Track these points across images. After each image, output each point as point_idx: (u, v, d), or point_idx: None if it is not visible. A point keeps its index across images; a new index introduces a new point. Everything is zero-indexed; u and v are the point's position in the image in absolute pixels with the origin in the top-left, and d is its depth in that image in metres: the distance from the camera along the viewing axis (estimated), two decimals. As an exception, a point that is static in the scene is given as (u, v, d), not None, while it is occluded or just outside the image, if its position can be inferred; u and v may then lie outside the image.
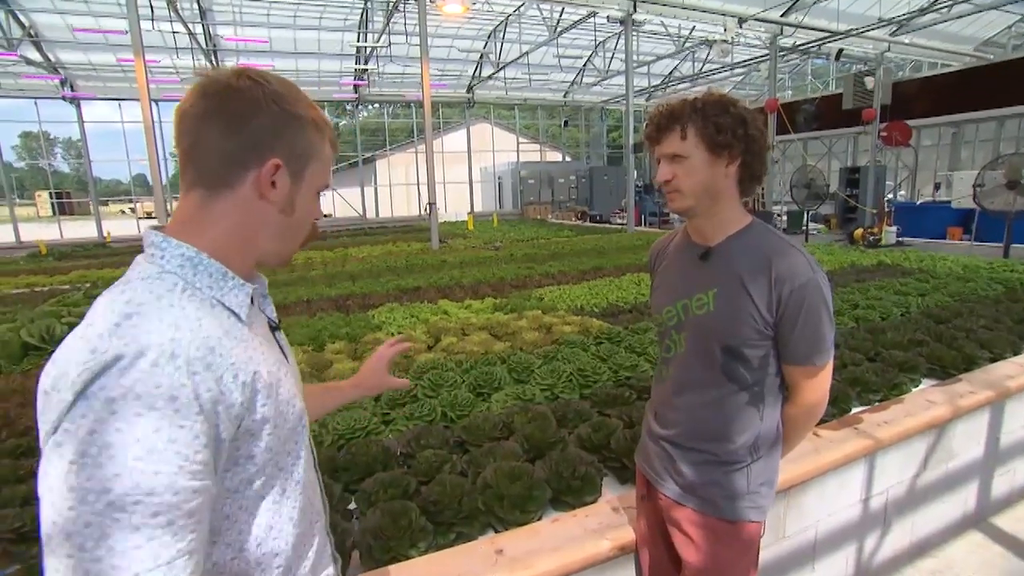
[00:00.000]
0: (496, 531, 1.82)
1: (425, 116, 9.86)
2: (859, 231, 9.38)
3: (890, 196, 14.53)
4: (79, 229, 17.60)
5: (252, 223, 0.69)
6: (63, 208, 22.30)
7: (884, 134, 11.36)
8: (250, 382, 0.62)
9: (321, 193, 0.76)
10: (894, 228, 9.18)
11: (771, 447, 1.16)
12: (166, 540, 0.53)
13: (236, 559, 0.65)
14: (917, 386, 2.76)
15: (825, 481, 2.09)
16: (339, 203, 22.47)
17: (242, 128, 0.65)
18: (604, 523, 1.71)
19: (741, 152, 1.06)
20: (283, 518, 0.69)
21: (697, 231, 1.17)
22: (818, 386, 1.12)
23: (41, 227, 17.48)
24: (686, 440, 1.19)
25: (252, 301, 0.71)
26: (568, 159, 24.67)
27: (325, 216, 23.13)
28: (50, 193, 19.67)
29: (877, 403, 2.57)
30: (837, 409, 2.43)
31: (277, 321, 0.78)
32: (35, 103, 16.08)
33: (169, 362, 0.55)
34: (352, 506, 1.96)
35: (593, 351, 3.21)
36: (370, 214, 21.53)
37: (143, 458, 0.52)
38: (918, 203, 13.64)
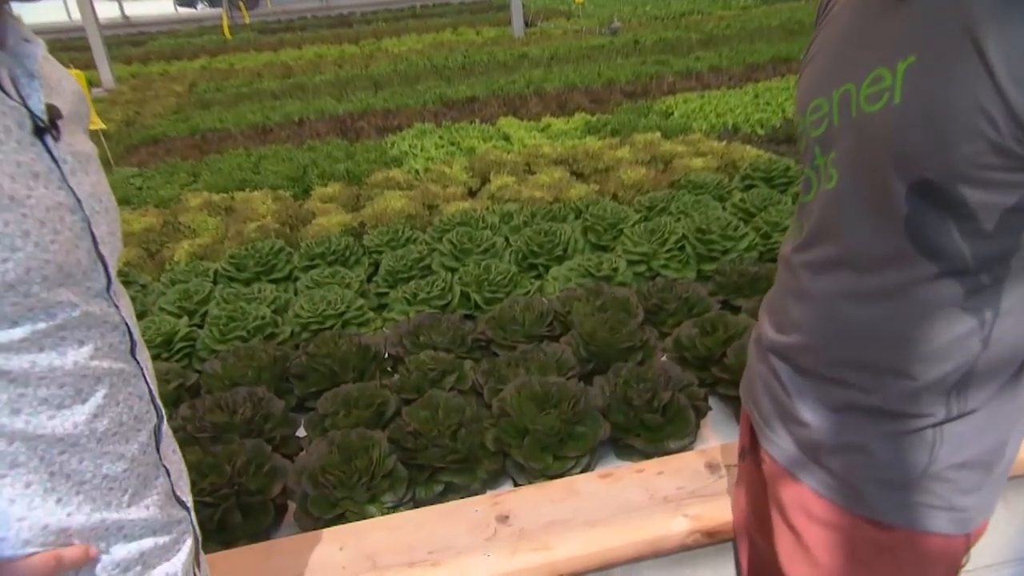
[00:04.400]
0: (516, 484, 1.76)
1: None
2: None
3: None
4: (107, 8, 19.33)
5: None
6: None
7: None
8: None
9: None
10: None
11: (998, 394, 0.91)
12: None
13: None
14: None
15: None
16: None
17: None
18: (687, 489, 1.60)
19: None
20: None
21: None
22: None
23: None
24: (820, 362, 1.00)
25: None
26: None
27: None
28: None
29: None
30: None
31: (46, 118, 0.75)
32: None
33: None
34: (301, 433, 1.96)
35: (736, 201, 3.09)
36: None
37: None
38: None
